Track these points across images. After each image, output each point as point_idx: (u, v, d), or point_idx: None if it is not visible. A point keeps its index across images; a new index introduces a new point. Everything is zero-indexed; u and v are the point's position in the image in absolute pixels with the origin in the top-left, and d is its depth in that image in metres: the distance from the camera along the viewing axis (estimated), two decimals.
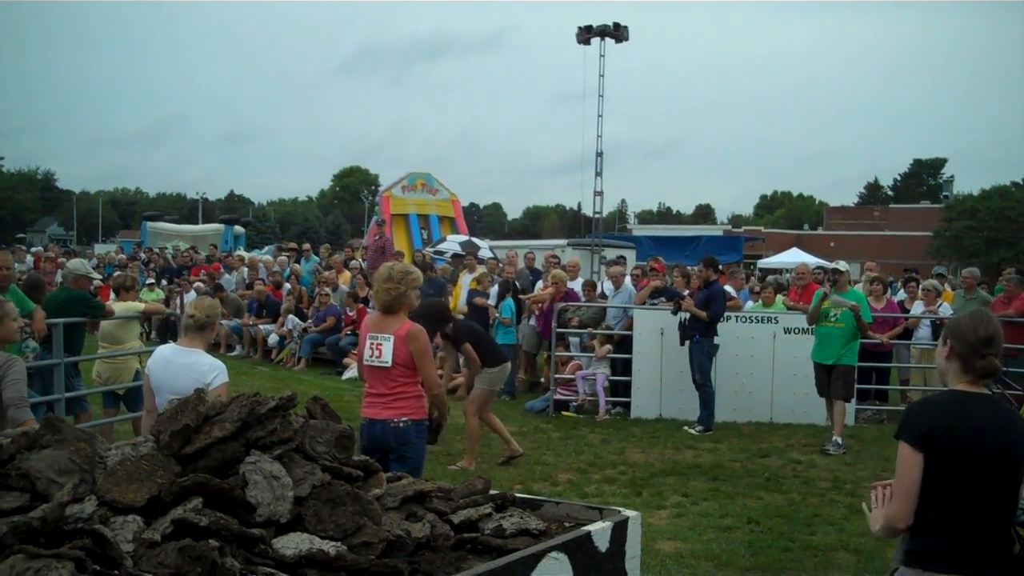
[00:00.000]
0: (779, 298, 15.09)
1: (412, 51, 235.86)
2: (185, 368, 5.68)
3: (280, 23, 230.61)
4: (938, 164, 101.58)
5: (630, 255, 25.16)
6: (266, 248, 34.54)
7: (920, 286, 14.49)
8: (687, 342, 12.34)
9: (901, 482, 3.58)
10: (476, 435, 10.04)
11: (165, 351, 5.98)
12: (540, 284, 15.90)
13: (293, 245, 26.15)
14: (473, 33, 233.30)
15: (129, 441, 3.01)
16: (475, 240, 24.05)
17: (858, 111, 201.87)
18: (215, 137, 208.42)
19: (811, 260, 31.22)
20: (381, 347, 6.03)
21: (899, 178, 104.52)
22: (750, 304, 15.10)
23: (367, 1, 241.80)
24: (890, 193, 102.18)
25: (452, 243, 22.20)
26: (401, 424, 6.06)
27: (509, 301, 14.71)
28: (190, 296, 21.27)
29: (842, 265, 11.94)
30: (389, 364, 6.03)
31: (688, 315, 12.27)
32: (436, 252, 21.01)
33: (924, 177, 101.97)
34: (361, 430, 6.04)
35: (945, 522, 3.52)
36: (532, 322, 15.14)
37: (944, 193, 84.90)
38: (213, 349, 8.19)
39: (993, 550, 3.52)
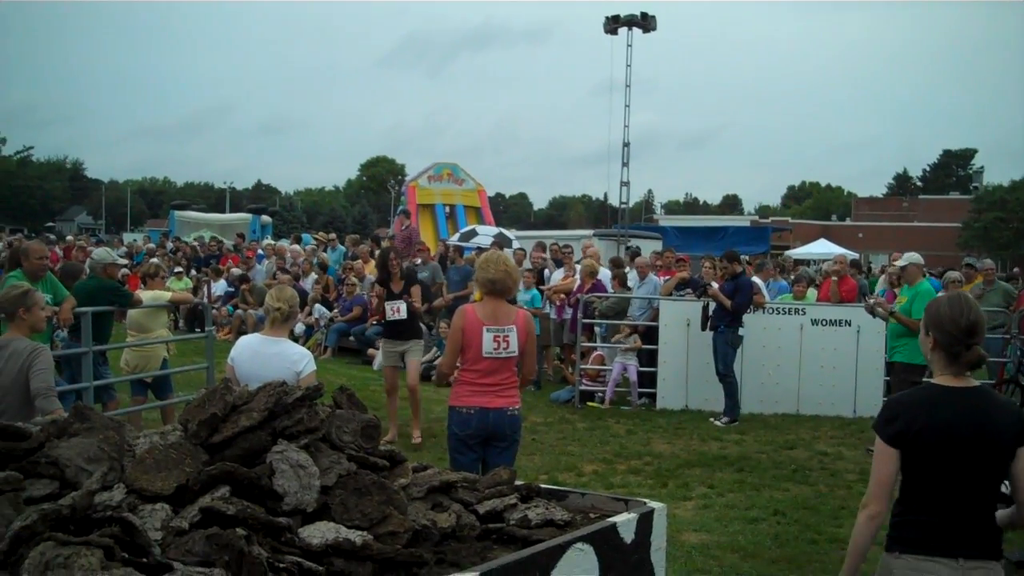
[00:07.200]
0: (810, 292, 14.85)
1: (458, 41, 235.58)
2: (275, 357, 5.85)
3: (329, 14, 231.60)
4: (968, 155, 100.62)
5: (656, 245, 24.99)
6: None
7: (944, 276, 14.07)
8: (710, 329, 12.25)
9: (875, 474, 3.63)
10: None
11: (251, 341, 6.12)
12: (558, 274, 15.48)
13: (320, 235, 26.24)
14: (523, 23, 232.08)
15: (157, 430, 3.03)
16: (505, 232, 23.88)
17: (888, 102, 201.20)
18: (252, 128, 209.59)
19: (839, 251, 31.01)
20: (508, 339, 6.08)
21: (928, 169, 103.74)
22: (787, 295, 14.92)
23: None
24: (919, 184, 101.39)
25: (484, 236, 21.94)
26: (516, 412, 6.20)
27: (535, 291, 14.68)
28: (218, 285, 21.41)
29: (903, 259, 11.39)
30: (517, 353, 6.13)
31: (713, 303, 12.22)
32: (463, 241, 20.99)
33: (954, 168, 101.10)
34: (467, 419, 6.07)
35: (920, 513, 3.57)
36: (552, 313, 14.86)
37: (973, 184, 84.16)
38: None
39: (972, 537, 3.52)
